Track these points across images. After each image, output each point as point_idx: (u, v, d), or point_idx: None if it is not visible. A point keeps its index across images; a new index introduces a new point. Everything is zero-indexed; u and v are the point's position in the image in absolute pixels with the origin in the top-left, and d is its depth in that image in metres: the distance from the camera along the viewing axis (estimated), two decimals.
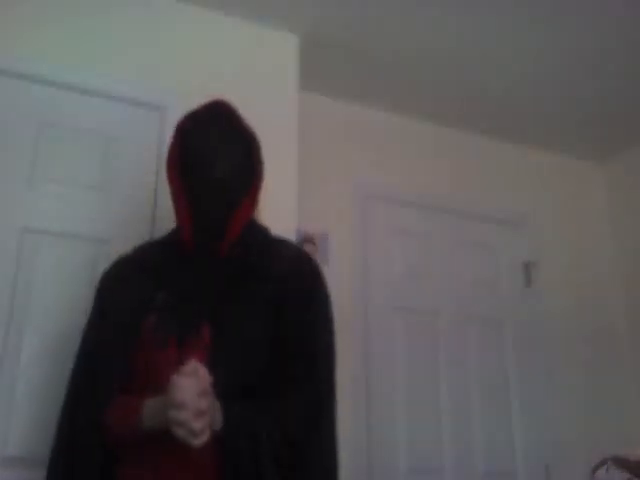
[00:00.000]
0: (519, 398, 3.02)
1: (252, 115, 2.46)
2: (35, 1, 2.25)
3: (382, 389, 2.75)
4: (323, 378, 1.36)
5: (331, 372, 1.38)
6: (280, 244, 1.51)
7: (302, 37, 2.65)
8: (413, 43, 2.69)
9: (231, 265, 1.40)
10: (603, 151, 3.51)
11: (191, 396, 1.13)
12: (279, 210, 2.39)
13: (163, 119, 2.30)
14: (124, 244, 2.11)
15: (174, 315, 1.35)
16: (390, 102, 3.10)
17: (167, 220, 2.16)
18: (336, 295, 2.73)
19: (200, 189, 1.38)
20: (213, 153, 1.38)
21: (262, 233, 1.51)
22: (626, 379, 3.25)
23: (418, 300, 2.97)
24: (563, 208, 3.45)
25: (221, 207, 1.38)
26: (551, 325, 3.17)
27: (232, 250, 1.40)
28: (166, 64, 2.38)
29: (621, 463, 2.48)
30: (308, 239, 2.78)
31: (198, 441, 1.14)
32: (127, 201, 2.19)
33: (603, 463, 2.51)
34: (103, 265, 2.07)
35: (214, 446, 1.22)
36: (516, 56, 2.75)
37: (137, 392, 1.32)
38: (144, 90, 2.31)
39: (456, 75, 2.89)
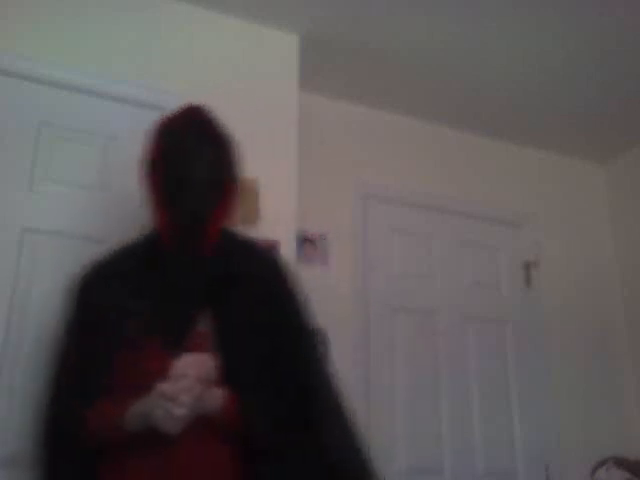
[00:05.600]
0: (519, 398, 3.02)
1: (252, 115, 2.47)
2: (35, 1, 2.25)
3: (382, 389, 2.75)
4: (316, 366, 1.48)
5: (321, 360, 1.50)
6: (253, 245, 1.58)
7: (302, 37, 2.65)
8: (413, 43, 2.69)
9: (213, 265, 1.44)
10: (603, 151, 3.51)
11: (193, 370, 1.22)
12: (279, 210, 2.39)
13: None
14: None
15: (159, 318, 1.37)
16: (390, 102, 3.10)
17: None
18: (336, 295, 2.75)
19: (178, 190, 1.40)
20: (190, 155, 1.41)
21: (234, 234, 1.56)
22: (626, 379, 3.24)
23: (418, 300, 2.97)
24: (563, 208, 3.45)
25: (199, 207, 1.40)
26: (551, 325, 3.17)
27: (212, 250, 1.44)
28: (166, 64, 2.39)
29: (621, 463, 2.48)
30: (308, 239, 2.78)
31: (174, 426, 1.20)
32: (127, 201, 2.19)
33: (603, 463, 2.51)
34: None
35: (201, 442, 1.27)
36: (516, 56, 2.75)
37: (120, 397, 1.33)
38: (144, 90, 2.31)
39: (456, 75, 2.89)
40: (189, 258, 1.42)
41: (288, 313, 1.48)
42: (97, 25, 2.32)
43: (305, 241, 2.76)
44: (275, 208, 2.39)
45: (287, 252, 2.36)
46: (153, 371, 1.27)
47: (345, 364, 2.68)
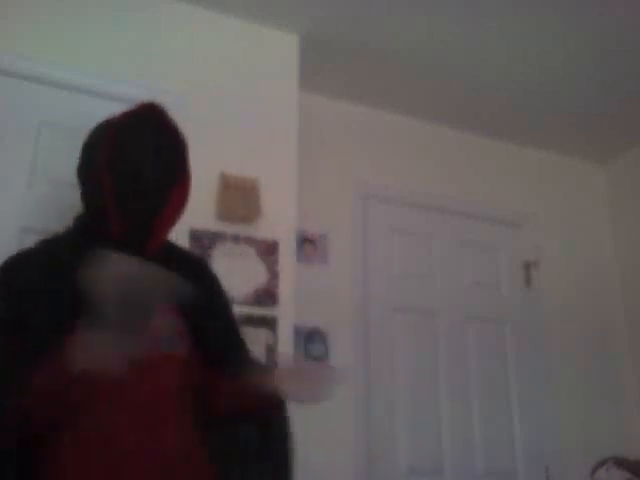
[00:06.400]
0: (519, 398, 3.02)
1: (252, 115, 2.48)
2: (35, 1, 2.25)
3: (382, 389, 2.75)
4: (243, 339, 1.60)
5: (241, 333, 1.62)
6: (186, 250, 1.65)
7: (302, 37, 2.65)
8: (413, 43, 2.69)
9: (165, 263, 1.40)
10: (603, 151, 3.51)
11: None
12: (279, 210, 2.39)
13: None
14: None
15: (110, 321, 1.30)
16: (390, 102, 3.10)
17: None
18: (336, 295, 2.76)
19: (129, 188, 1.37)
20: (143, 153, 1.39)
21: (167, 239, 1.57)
22: (626, 379, 3.25)
23: (418, 300, 2.97)
24: (563, 208, 3.45)
25: (150, 206, 1.39)
26: (551, 325, 3.17)
27: (158, 250, 1.44)
28: (166, 64, 2.39)
29: (621, 463, 2.48)
30: (308, 239, 2.78)
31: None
32: None
33: (603, 463, 2.51)
34: None
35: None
36: (516, 56, 2.75)
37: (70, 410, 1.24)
38: (144, 90, 2.31)
39: (456, 75, 2.89)
40: (139, 255, 1.36)
41: (228, 315, 1.58)
42: (97, 25, 2.32)
43: (305, 241, 2.76)
44: (275, 208, 2.39)
45: (287, 252, 2.36)
46: (110, 383, 1.20)
47: (345, 364, 2.68)
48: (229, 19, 2.55)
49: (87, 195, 1.43)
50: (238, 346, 1.57)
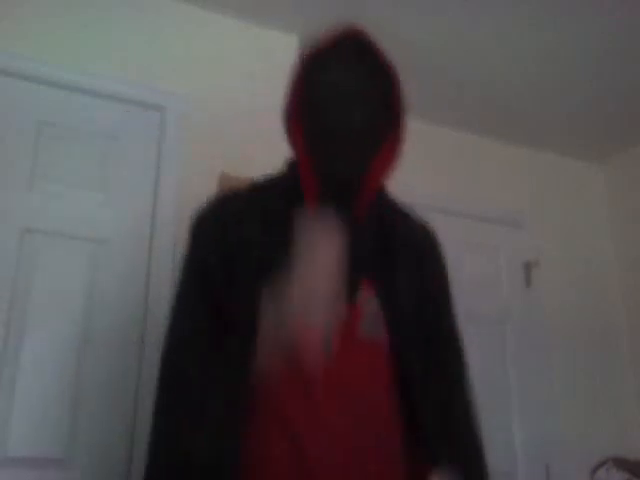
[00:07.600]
0: (519, 398, 3.01)
1: (251, 115, 2.47)
2: (35, 1, 2.25)
3: None
4: (460, 353, 1.39)
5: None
6: (408, 212, 1.32)
7: (302, 37, 2.65)
8: (412, 43, 2.69)
9: (371, 228, 1.21)
10: (603, 151, 3.51)
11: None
12: None
13: (163, 119, 2.30)
14: (124, 244, 2.13)
15: None
16: None
17: (168, 220, 2.16)
18: None
19: (329, 137, 1.15)
20: (348, 96, 1.16)
21: (386, 195, 1.29)
22: (626, 379, 3.24)
23: None
24: (563, 208, 3.45)
25: (356, 159, 1.15)
26: (551, 325, 3.17)
27: (367, 210, 1.20)
28: (166, 64, 2.39)
29: (621, 463, 2.48)
30: None
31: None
32: (127, 201, 2.19)
33: (603, 463, 2.51)
34: (103, 265, 2.09)
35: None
36: (516, 56, 2.75)
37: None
38: (144, 90, 2.31)
39: (456, 75, 2.89)
40: (343, 218, 1.14)
41: (448, 312, 1.34)
42: (97, 25, 2.32)
43: None
44: None
45: None
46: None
47: None
48: (228, 20, 2.55)
49: (289, 142, 1.21)
50: (450, 364, 1.31)
